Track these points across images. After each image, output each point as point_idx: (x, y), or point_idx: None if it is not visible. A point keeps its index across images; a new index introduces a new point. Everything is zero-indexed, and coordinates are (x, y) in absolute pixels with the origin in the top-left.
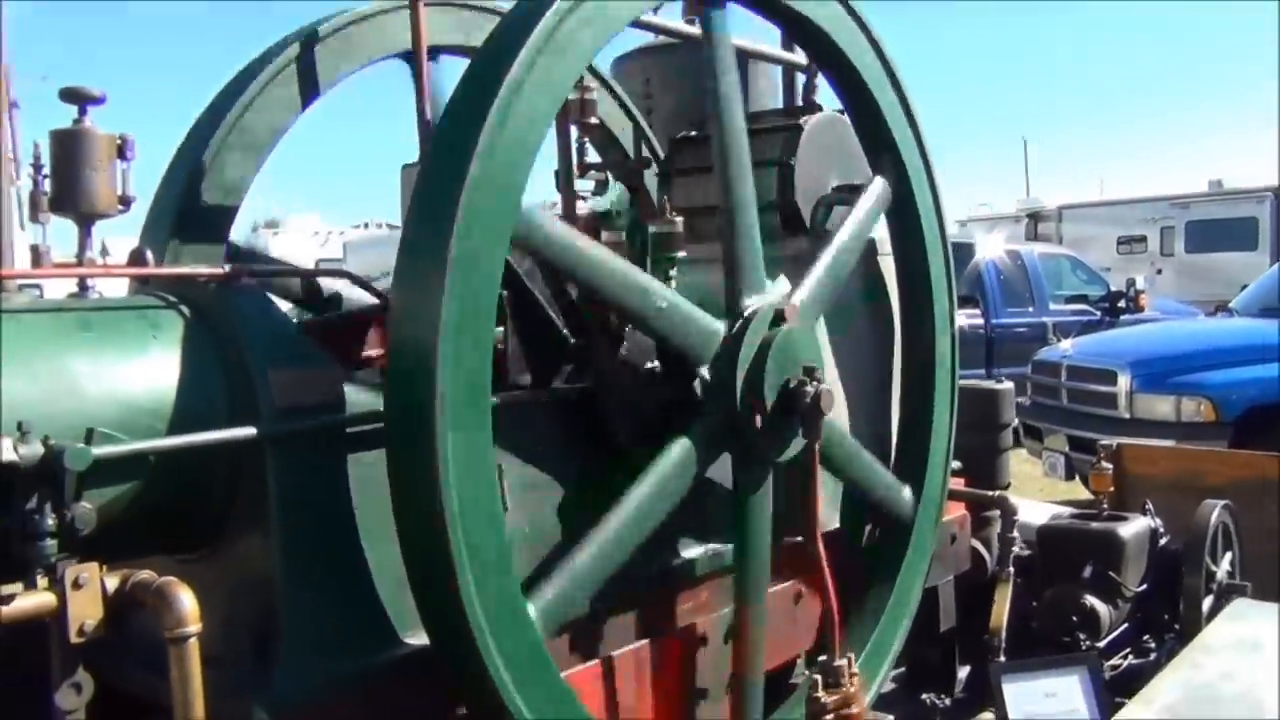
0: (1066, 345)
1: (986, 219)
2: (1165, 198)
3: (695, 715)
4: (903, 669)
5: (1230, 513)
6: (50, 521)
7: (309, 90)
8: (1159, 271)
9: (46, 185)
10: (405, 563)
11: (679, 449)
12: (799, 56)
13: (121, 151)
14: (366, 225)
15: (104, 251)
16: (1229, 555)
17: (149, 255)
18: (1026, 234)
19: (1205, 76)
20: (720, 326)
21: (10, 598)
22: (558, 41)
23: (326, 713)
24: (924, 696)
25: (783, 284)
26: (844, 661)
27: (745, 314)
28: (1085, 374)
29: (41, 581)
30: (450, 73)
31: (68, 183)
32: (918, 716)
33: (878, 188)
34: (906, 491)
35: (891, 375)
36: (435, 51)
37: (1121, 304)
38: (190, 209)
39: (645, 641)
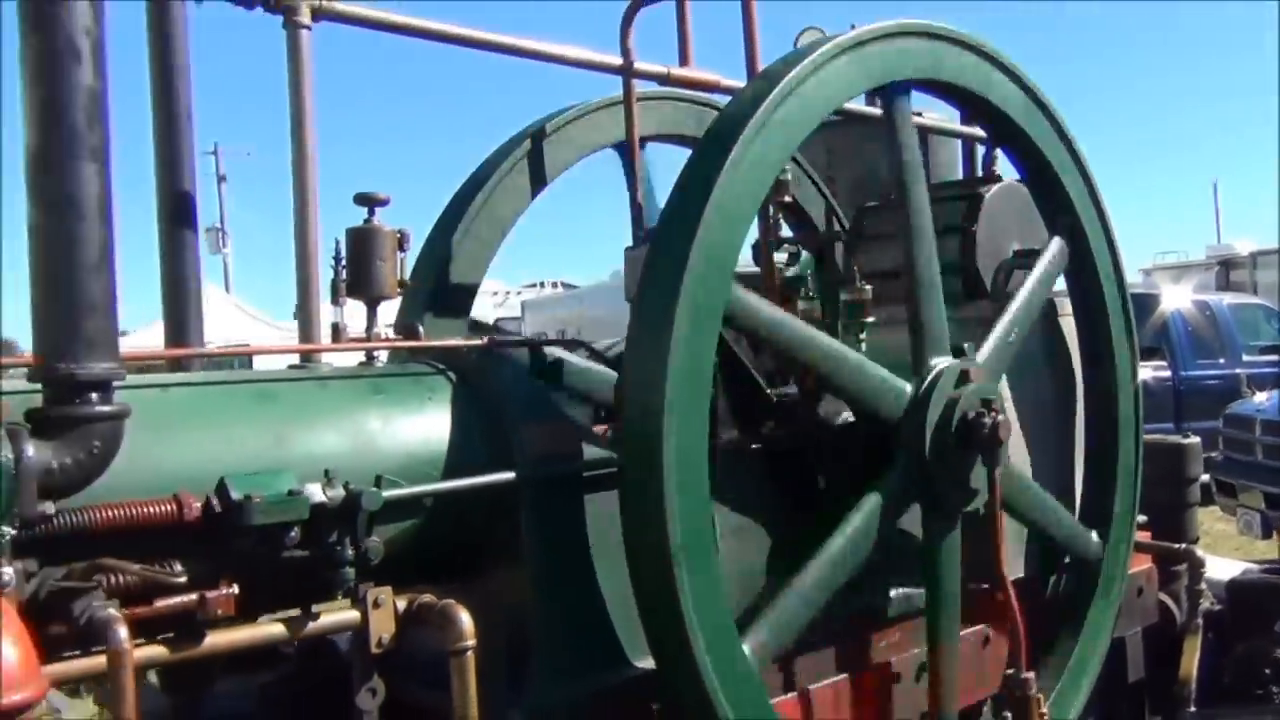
0: (1262, 399)
1: (1173, 267)
2: None
3: None
4: None
5: None
6: (350, 552)
7: (539, 180)
8: None
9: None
10: (636, 594)
11: (870, 503)
12: (978, 130)
13: (401, 244)
14: (541, 285)
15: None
16: None
17: (420, 329)
18: (1217, 282)
19: None
20: (908, 388)
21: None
22: (768, 132)
23: None
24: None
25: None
26: (1033, 696)
27: (932, 374)
28: None
29: (343, 602)
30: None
31: (361, 271)
32: None
33: (1054, 249)
34: (1092, 534)
35: (1075, 433)
36: (645, 141)
37: None
38: (441, 287)
39: (844, 676)
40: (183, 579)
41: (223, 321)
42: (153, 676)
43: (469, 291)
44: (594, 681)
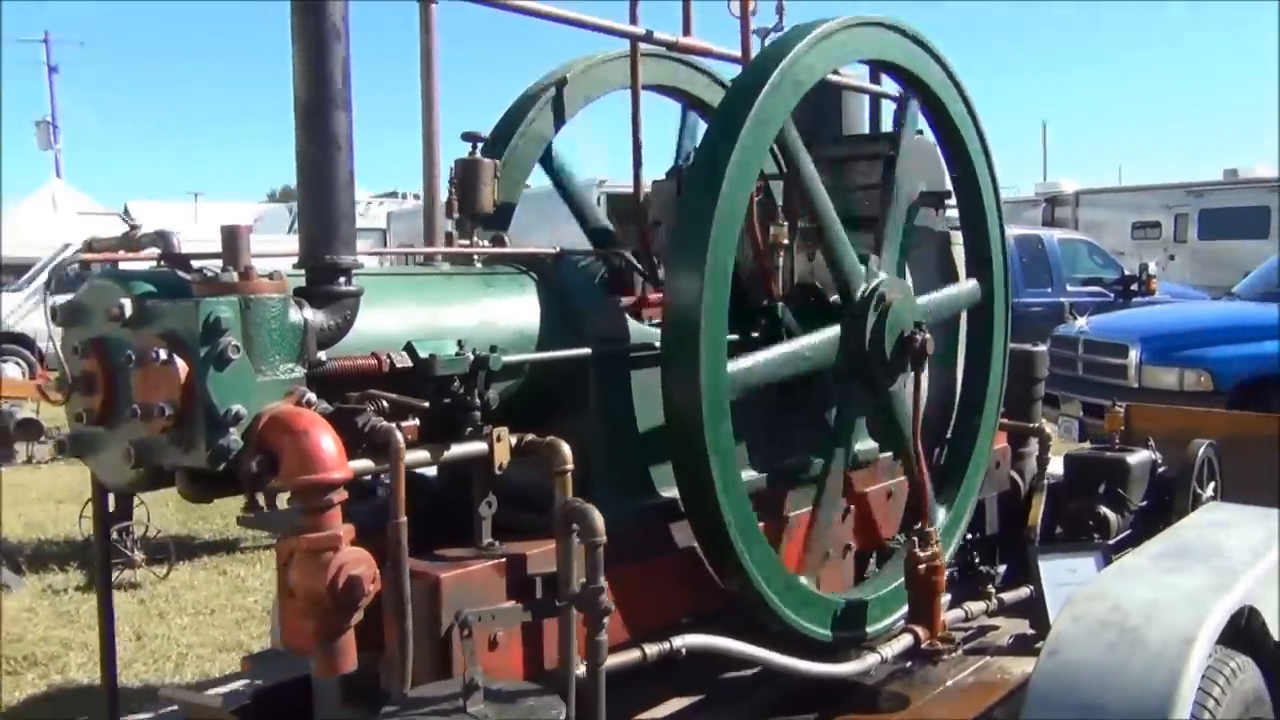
0: (1082, 322)
1: (1007, 203)
2: (1181, 185)
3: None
4: (955, 567)
5: (1214, 450)
6: (477, 400)
7: (559, 119)
8: (1171, 257)
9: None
10: (669, 442)
11: (830, 331)
12: (887, 88)
13: (496, 173)
14: (404, 196)
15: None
16: (1212, 484)
17: (506, 239)
18: (1044, 218)
19: (1225, 68)
20: (863, 271)
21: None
22: (778, 92)
23: (623, 533)
24: (976, 561)
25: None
26: (932, 529)
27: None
28: (1100, 348)
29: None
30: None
31: (467, 194)
32: (969, 585)
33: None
34: None
35: (958, 345)
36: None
37: (1134, 287)
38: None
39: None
40: (425, 404)
41: (58, 219)
42: None
43: (509, 210)
44: (636, 504)
